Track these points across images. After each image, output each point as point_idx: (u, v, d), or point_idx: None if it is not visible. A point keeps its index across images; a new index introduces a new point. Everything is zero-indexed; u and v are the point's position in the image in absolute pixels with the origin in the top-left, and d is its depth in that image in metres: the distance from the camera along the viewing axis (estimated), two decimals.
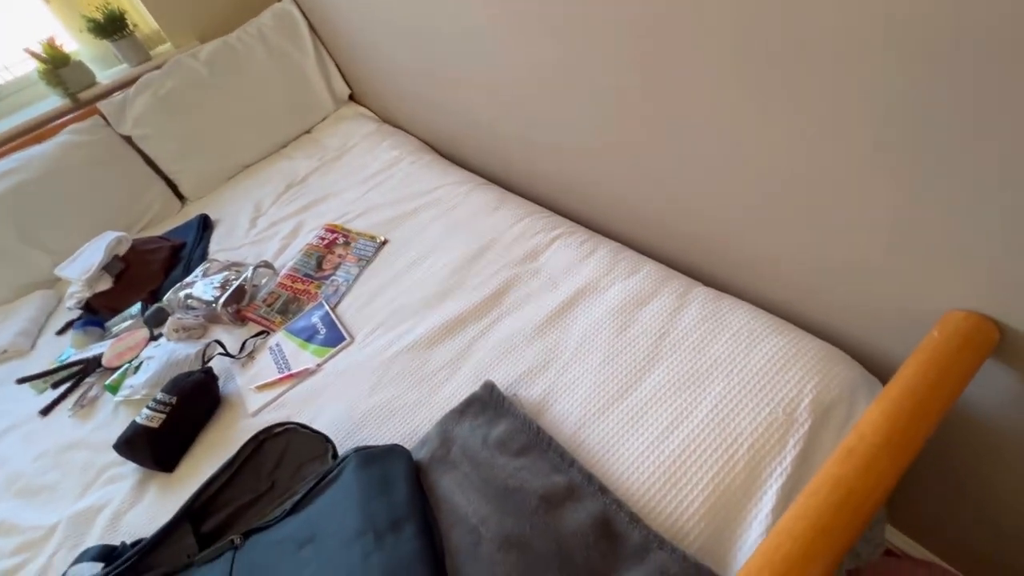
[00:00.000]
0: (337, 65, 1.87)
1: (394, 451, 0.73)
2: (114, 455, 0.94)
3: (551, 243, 1.06)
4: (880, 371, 0.75)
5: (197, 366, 1.06)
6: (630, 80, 0.81)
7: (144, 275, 1.39)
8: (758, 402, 0.69)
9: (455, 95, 1.31)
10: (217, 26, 1.80)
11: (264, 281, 1.25)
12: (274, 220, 1.48)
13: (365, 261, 1.21)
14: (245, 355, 1.09)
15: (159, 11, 1.73)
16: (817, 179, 0.66)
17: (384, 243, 1.23)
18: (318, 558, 0.63)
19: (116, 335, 1.24)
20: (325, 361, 1.01)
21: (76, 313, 1.37)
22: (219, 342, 1.10)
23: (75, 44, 1.76)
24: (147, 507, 0.88)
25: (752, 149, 0.71)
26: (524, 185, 1.31)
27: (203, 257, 1.43)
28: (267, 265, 1.27)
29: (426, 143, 1.63)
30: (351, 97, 1.93)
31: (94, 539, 0.85)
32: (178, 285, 1.26)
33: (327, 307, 1.12)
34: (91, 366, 1.17)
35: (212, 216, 1.60)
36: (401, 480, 0.68)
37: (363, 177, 1.50)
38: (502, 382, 0.82)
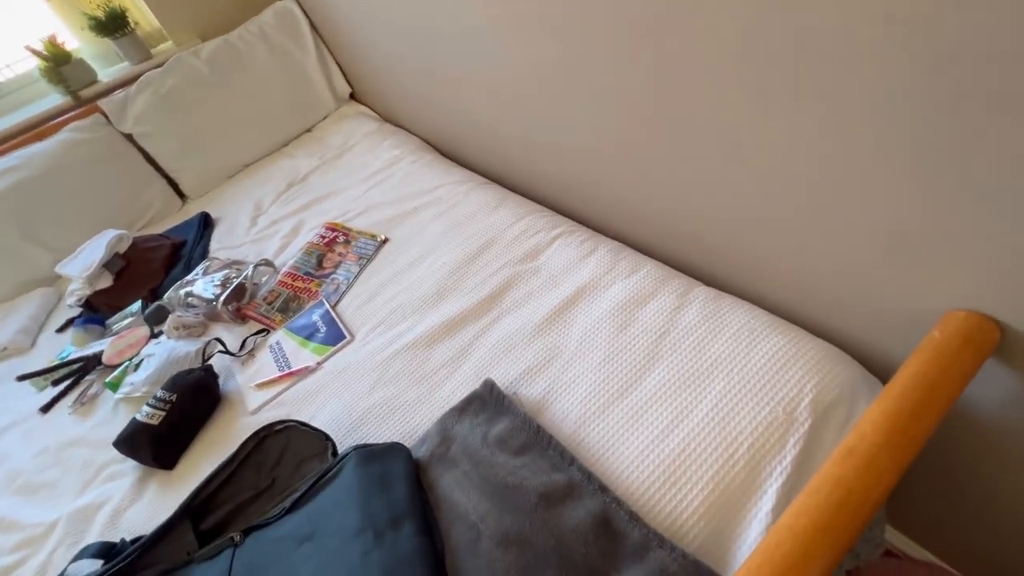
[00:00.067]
0: (338, 64, 1.87)
1: (394, 449, 0.73)
2: (114, 452, 0.94)
3: (552, 242, 1.06)
4: (880, 371, 0.75)
5: (197, 364, 1.06)
6: (630, 80, 0.81)
7: (144, 273, 1.39)
8: (758, 401, 0.69)
9: (456, 94, 1.31)
10: (218, 24, 1.80)
11: (264, 279, 1.25)
12: (275, 218, 1.48)
13: (365, 259, 1.21)
14: (245, 353, 1.09)
15: (160, 9, 1.73)
16: (817, 179, 0.66)
17: (384, 241, 1.24)
18: (318, 555, 0.63)
19: (116, 333, 1.24)
20: (325, 359, 1.01)
21: (76, 311, 1.37)
22: (219, 340, 1.10)
23: (76, 42, 1.76)
24: (147, 504, 0.88)
25: (752, 149, 0.71)
26: (524, 184, 1.31)
27: (204, 255, 1.43)
28: (268, 263, 1.28)
29: (427, 142, 1.63)
30: (352, 96, 1.94)
31: (94, 536, 0.85)
32: (179, 283, 1.26)
33: (327, 305, 1.12)
34: (91, 364, 1.17)
35: (213, 214, 1.60)
36: (401, 478, 0.68)
37: (364, 176, 1.50)
38: (502, 380, 0.82)
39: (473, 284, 1.03)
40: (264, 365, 1.05)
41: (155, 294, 1.34)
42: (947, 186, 0.54)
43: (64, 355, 1.24)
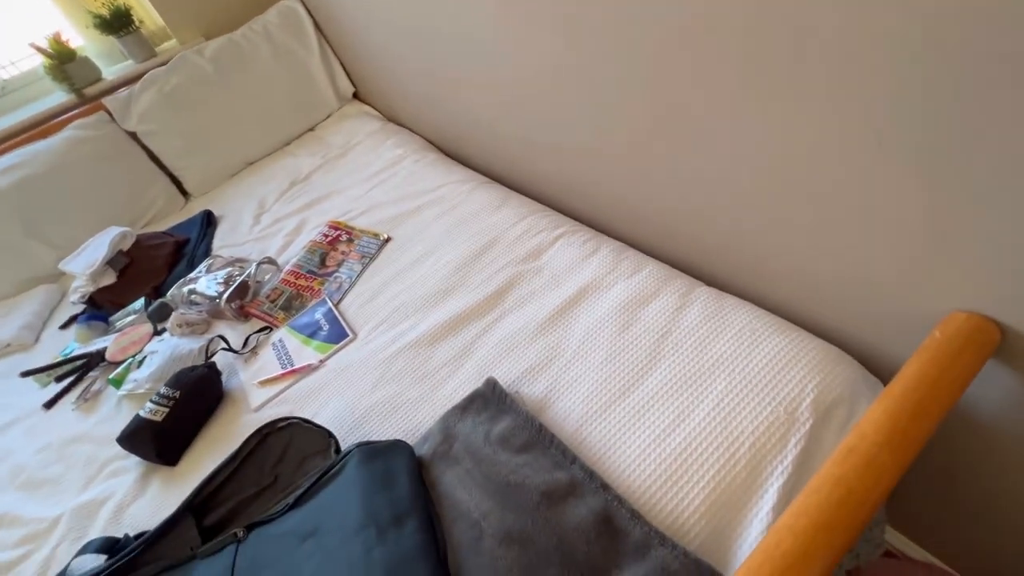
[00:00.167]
0: (342, 63, 1.88)
1: (397, 446, 0.74)
2: (117, 448, 0.95)
3: (554, 242, 1.07)
4: (881, 372, 0.76)
5: (200, 361, 1.07)
6: (632, 82, 0.81)
7: (148, 270, 1.40)
8: (760, 401, 0.70)
9: (458, 94, 1.32)
10: (223, 23, 1.81)
11: (267, 277, 1.26)
12: (278, 217, 1.48)
13: (368, 258, 1.21)
14: (248, 350, 1.09)
15: (165, 8, 1.74)
16: (819, 179, 0.66)
17: (387, 240, 1.24)
18: (321, 552, 0.64)
19: (120, 330, 1.24)
20: (328, 357, 1.01)
21: (80, 307, 1.38)
22: (222, 337, 1.10)
23: (81, 40, 1.77)
24: (150, 500, 0.88)
25: (754, 151, 0.71)
26: (526, 184, 1.31)
27: (207, 253, 1.43)
28: (271, 261, 1.28)
29: (429, 142, 1.63)
30: (355, 95, 1.94)
31: (97, 531, 0.86)
32: (182, 280, 1.27)
33: (330, 304, 1.13)
34: (95, 360, 1.18)
35: (216, 212, 1.60)
36: (403, 475, 0.69)
37: (367, 175, 1.50)
38: (504, 379, 0.83)
39: (476, 283, 1.03)
40: (267, 363, 1.05)
41: (158, 291, 1.35)
42: (948, 187, 0.55)
43: (67, 351, 1.24)
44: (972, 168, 0.52)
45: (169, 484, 0.90)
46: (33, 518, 0.91)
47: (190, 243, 1.48)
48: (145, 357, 1.10)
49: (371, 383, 0.93)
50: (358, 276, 1.18)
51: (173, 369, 1.03)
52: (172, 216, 1.68)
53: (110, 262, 1.39)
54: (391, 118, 1.81)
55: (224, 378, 1.04)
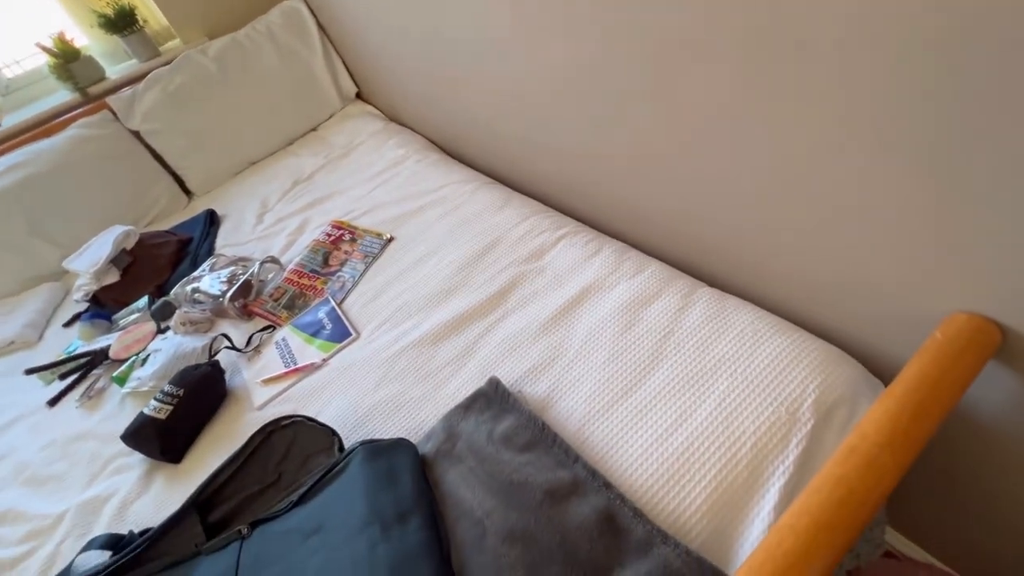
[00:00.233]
0: (344, 63, 1.88)
1: (400, 445, 0.74)
2: (121, 446, 0.95)
3: (556, 242, 1.07)
4: (882, 372, 0.76)
5: (204, 359, 1.07)
6: (634, 83, 0.81)
7: (151, 269, 1.40)
8: (761, 401, 0.70)
9: (461, 95, 1.32)
10: (226, 23, 1.81)
11: (270, 276, 1.26)
12: (280, 216, 1.49)
13: (371, 258, 1.21)
14: (251, 349, 1.10)
15: (169, 7, 1.75)
16: (820, 180, 0.66)
17: (390, 240, 1.24)
18: (325, 548, 0.64)
19: (123, 328, 1.25)
20: (331, 356, 1.02)
21: (83, 305, 1.38)
22: (226, 336, 1.11)
23: (85, 39, 1.77)
24: (154, 497, 0.89)
25: (755, 151, 0.72)
26: (529, 184, 1.32)
27: (210, 252, 1.44)
28: (274, 260, 1.28)
29: (432, 142, 1.64)
30: (358, 95, 1.95)
31: (101, 528, 0.86)
32: (185, 279, 1.27)
33: (333, 303, 1.13)
34: (98, 358, 1.18)
35: (218, 211, 1.61)
36: (407, 473, 0.69)
37: (369, 175, 1.51)
38: (507, 378, 0.83)
39: (478, 283, 1.04)
40: (270, 361, 1.06)
41: (161, 290, 1.35)
42: (949, 187, 0.55)
43: (71, 349, 1.25)
44: (973, 169, 0.52)
45: (173, 481, 0.90)
46: (37, 514, 0.92)
47: (193, 242, 1.49)
48: (149, 355, 1.11)
49: (374, 382, 0.93)
50: (361, 275, 1.18)
51: (176, 367, 1.04)
52: (175, 215, 1.69)
53: (114, 260, 1.39)
54: (393, 118, 1.81)
55: (227, 376, 1.04)
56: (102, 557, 0.76)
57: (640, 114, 0.85)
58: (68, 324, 1.37)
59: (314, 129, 1.86)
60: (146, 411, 0.93)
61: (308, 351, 1.05)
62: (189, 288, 1.24)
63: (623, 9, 0.74)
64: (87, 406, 1.11)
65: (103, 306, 1.35)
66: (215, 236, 1.51)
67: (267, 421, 0.84)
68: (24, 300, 1.45)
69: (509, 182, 1.36)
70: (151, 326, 1.21)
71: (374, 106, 1.90)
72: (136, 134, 1.66)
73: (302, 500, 0.71)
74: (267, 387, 1.00)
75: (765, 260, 0.84)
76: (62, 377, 1.18)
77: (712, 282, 0.94)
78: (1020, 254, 0.54)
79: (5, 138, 1.60)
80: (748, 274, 0.90)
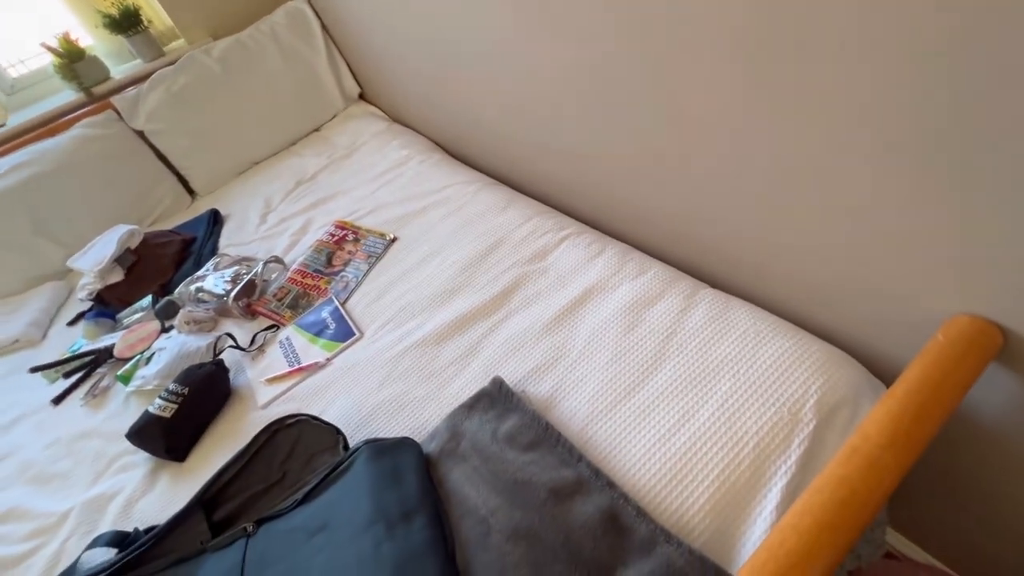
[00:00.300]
0: (348, 64, 1.89)
1: (404, 444, 0.75)
2: (126, 444, 0.96)
3: (559, 243, 1.08)
4: (884, 374, 0.76)
5: (208, 358, 1.08)
6: (638, 86, 0.82)
7: (155, 268, 1.41)
8: (764, 402, 0.71)
9: (464, 96, 1.33)
10: (230, 24, 1.82)
11: (274, 276, 1.27)
12: (284, 216, 1.49)
13: (374, 258, 1.22)
14: (255, 348, 1.10)
15: (173, 8, 1.75)
16: (824, 182, 0.67)
17: (393, 240, 1.25)
18: (330, 547, 0.64)
19: (127, 327, 1.25)
20: (335, 355, 1.02)
21: (87, 304, 1.39)
22: (230, 335, 1.11)
23: (90, 39, 1.78)
24: (159, 495, 0.89)
25: (758, 154, 0.72)
26: (532, 185, 1.32)
27: (213, 252, 1.44)
28: (277, 260, 1.29)
29: (435, 142, 1.64)
30: (361, 96, 1.95)
31: (107, 526, 0.87)
32: (189, 279, 1.28)
33: (337, 303, 1.14)
34: (102, 357, 1.19)
35: (222, 211, 1.61)
36: (411, 472, 0.70)
37: (372, 175, 1.51)
38: (510, 378, 0.84)
39: (482, 283, 1.04)
40: (274, 360, 1.06)
41: (165, 289, 1.36)
42: (955, 192, 0.55)
43: (75, 348, 1.25)
44: (975, 171, 0.53)
45: (177, 480, 0.91)
46: (43, 512, 0.92)
47: (197, 241, 1.49)
48: (153, 354, 1.11)
49: (378, 381, 0.93)
50: (364, 275, 1.19)
51: (181, 366, 1.04)
52: (178, 215, 1.70)
53: (118, 260, 1.40)
54: (396, 119, 1.82)
55: (231, 375, 1.05)
56: (108, 554, 0.76)
57: (643, 116, 0.86)
58: (72, 323, 1.38)
59: (317, 129, 1.87)
60: (151, 409, 0.94)
61: (312, 350, 1.05)
62: (193, 287, 1.24)
63: (626, 11, 0.75)
64: (91, 404, 1.11)
65: (107, 305, 1.36)
66: (218, 236, 1.52)
67: (271, 420, 0.84)
68: (28, 299, 1.46)
69: (512, 183, 1.37)
70: (155, 325, 1.22)
71: (377, 107, 1.90)
72: (140, 134, 1.67)
73: (307, 498, 0.72)
74: (271, 386, 1.01)
75: (767, 261, 0.85)
76: (66, 376, 1.19)
77: (714, 283, 0.94)
78: (1022, 256, 0.55)
79: (10, 137, 1.60)
80: (750, 275, 0.90)
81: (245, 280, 1.20)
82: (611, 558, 0.59)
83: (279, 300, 1.20)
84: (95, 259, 1.40)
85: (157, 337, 1.19)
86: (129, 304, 1.33)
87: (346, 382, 0.96)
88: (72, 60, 1.66)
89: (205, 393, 0.98)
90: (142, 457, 0.95)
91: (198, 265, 1.37)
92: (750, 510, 0.64)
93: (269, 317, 1.17)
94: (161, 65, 1.70)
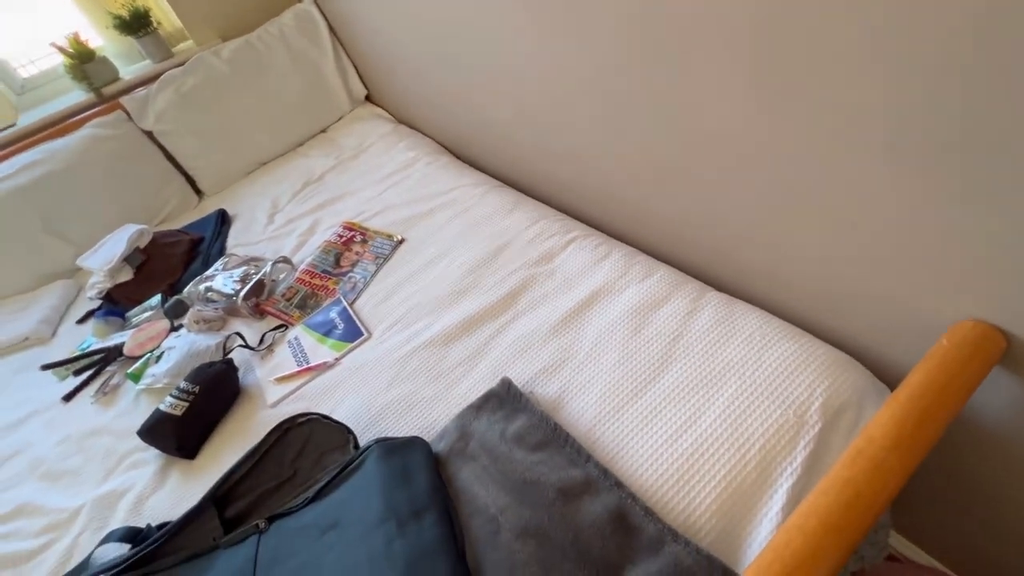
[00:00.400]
0: (355, 66, 1.90)
1: (414, 443, 0.76)
2: (136, 441, 0.97)
3: (566, 245, 1.09)
4: (888, 378, 0.77)
5: (218, 357, 1.09)
6: (646, 90, 0.83)
7: (164, 268, 1.42)
8: (770, 404, 0.72)
9: (471, 99, 1.34)
10: (239, 25, 1.84)
11: (283, 276, 1.28)
12: (291, 217, 1.51)
13: (382, 259, 1.23)
14: (264, 348, 1.11)
15: (183, 9, 1.77)
16: (830, 187, 0.68)
17: (401, 242, 1.26)
18: (341, 544, 0.65)
19: (136, 325, 1.26)
20: (343, 355, 1.03)
21: (97, 303, 1.40)
22: (239, 334, 1.12)
23: (100, 40, 1.80)
24: (169, 492, 0.90)
25: (765, 159, 0.73)
26: (538, 188, 1.33)
27: (221, 251, 1.45)
28: (286, 260, 1.30)
29: (441, 145, 1.65)
30: (367, 98, 1.97)
31: (118, 522, 0.88)
32: (198, 278, 1.29)
33: (345, 303, 1.15)
34: (112, 355, 1.20)
35: (229, 211, 1.63)
36: (422, 471, 0.71)
37: (379, 177, 1.53)
38: (518, 379, 0.85)
39: (489, 285, 1.05)
40: (283, 360, 1.07)
41: (174, 288, 1.37)
42: (957, 196, 0.56)
43: (85, 346, 1.27)
44: (980, 177, 0.53)
45: (188, 477, 0.92)
46: (54, 508, 0.93)
47: (205, 241, 1.51)
48: (163, 353, 1.13)
49: (386, 381, 0.94)
50: (372, 276, 1.20)
51: (190, 365, 1.05)
52: (186, 214, 1.71)
53: (127, 259, 1.41)
54: (403, 120, 1.83)
55: (240, 374, 1.06)
56: (121, 550, 0.77)
57: (650, 121, 0.87)
58: (81, 321, 1.39)
59: (324, 131, 1.88)
60: (162, 408, 0.95)
61: (320, 350, 1.06)
62: (202, 287, 1.26)
63: (635, 14, 0.75)
64: (102, 402, 1.12)
65: (116, 304, 1.37)
66: (226, 236, 1.53)
67: (282, 418, 0.86)
68: (38, 297, 1.47)
69: (518, 185, 1.38)
70: (164, 324, 1.23)
71: (383, 108, 1.92)
72: (149, 134, 1.69)
73: (318, 496, 0.73)
74: (280, 385, 1.02)
75: (773, 265, 0.86)
76: (76, 373, 1.20)
77: (720, 287, 0.95)
78: None
79: (21, 137, 1.62)
80: (756, 279, 0.91)
81: (254, 280, 1.21)
82: (620, 557, 0.60)
83: (288, 300, 1.21)
84: (105, 258, 1.41)
85: (166, 336, 1.20)
86: (138, 303, 1.35)
87: (355, 382, 0.97)
88: (82, 61, 1.67)
89: (215, 392, 0.99)
90: (152, 454, 0.96)
91: (206, 265, 1.39)
92: (756, 511, 0.64)
93: (278, 317, 1.18)
94: (170, 66, 1.71)
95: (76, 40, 1.67)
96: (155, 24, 1.75)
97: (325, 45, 1.84)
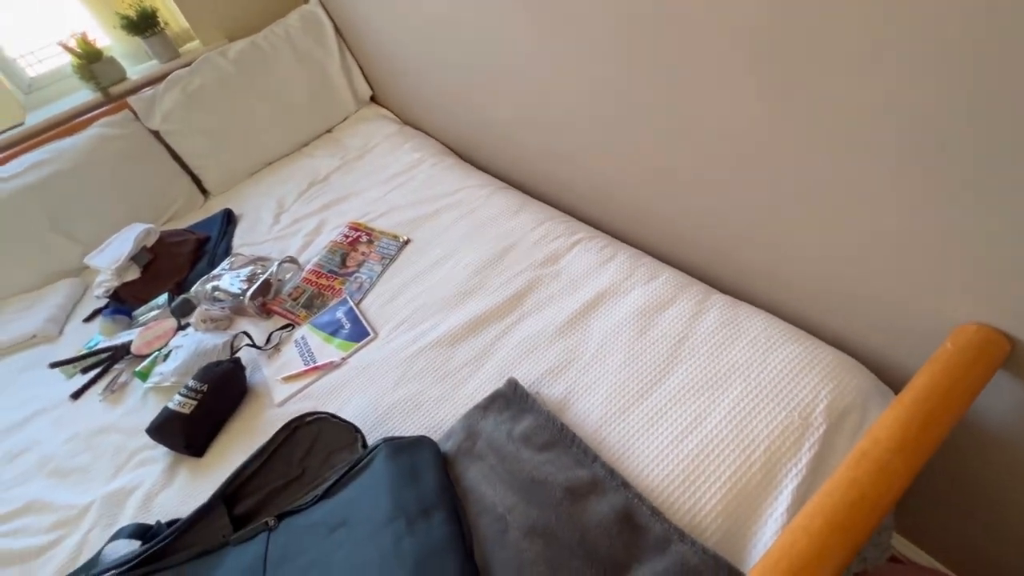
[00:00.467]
0: (360, 67, 1.91)
1: (422, 442, 0.77)
2: (144, 439, 0.98)
3: (571, 247, 1.09)
4: (892, 381, 0.78)
5: (225, 356, 1.10)
6: (651, 93, 0.84)
7: (171, 267, 1.43)
8: (775, 406, 0.72)
9: (476, 100, 1.35)
10: (245, 26, 1.85)
11: (289, 276, 1.29)
12: (297, 217, 1.51)
13: (388, 259, 1.24)
14: (271, 347, 1.12)
15: (189, 10, 1.78)
16: (835, 191, 0.68)
17: (407, 242, 1.27)
18: (351, 541, 0.66)
19: (143, 324, 1.27)
20: (350, 355, 1.04)
21: (103, 301, 1.41)
22: (246, 333, 1.13)
23: (107, 40, 1.81)
24: (178, 490, 0.91)
25: (770, 162, 0.74)
26: (543, 190, 1.34)
27: (227, 251, 1.46)
28: (292, 260, 1.31)
29: (446, 146, 1.66)
30: (372, 98, 1.97)
31: (127, 519, 0.88)
32: (205, 277, 1.30)
33: (351, 303, 1.15)
34: (120, 353, 1.21)
35: (235, 211, 1.63)
36: (430, 470, 0.71)
37: (385, 177, 1.53)
38: (524, 380, 0.85)
39: (495, 286, 1.06)
40: (290, 359, 1.08)
41: (180, 287, 1.38)
42: (962, 201, 0.57)
43: (92, 344, 1.27)
44: (986, 183, 0.54)
45: (196, 474, 0.93)
46: (64, 504, 0.94)
47: (211, 241, 1.51)
48: (170, 351, 1.13)
49: (393, 381, 0.95)
50: (378, 277, 1.21)
51: (198, 363, 1.06)
52: (191, 214, 1.72)
53: (134, 258, 1.42)
54: (407, 121, 1.84)
55: (247, 373, 1.07)
56: (131, 546, 0.78)
57: (654, 123, 0.87)
58: (88, 319, 1.40)
59: (329, 131, 1.89)
60: (171, 406, 0.96)
61: (327, 350, 1.07)
62: (209, 286, 1.26)
63: (637, 15, 0.76)
64: (110, 400, 1.13)
65: (123, 302, 1.38)
66: (232, 235, 1.54)
67: (291, 417, 0.86)
68: (45, 295, 1.48)
69: (523, 187, 1.39)
70: (171, 323, 1.24)
71: (388, 109, 1.92)
72: (156, 134, 1.70)
73: (327, 494, 0.74)
74: (287, 384, 1.03)
75: (777, 268, 0.86)
76: (84, 371, 1.21)
77: (725, 289, 0.96)
78: None
79: (29, 136, 1.63)
80: (760, 281, 0.92)
81: (261, 280, 1.22)
82: (626, 556, 0.60)
83: (294, 300, 1.22)
84: (112, 257, 1.42)
85: (173, 335, 1.21)
86: (145, 302, 1.35)
87: (361, 381, 0.98)
88: (90, 60, 1.68)
89: (223, 390, 1.00)
90: (161, 452, 0.97)
91: (212, 264, 1.39)
92: (761, 511, 0.65)
93: (284, 316, 1.19)
94: (177, 66, 1.72)
95: (84, 40, 1.68)
96: (162, 24, 1.76)
97: (331, 46, 1.85)
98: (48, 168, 1.53)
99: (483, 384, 0.89)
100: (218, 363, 1.03)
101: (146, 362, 1.14)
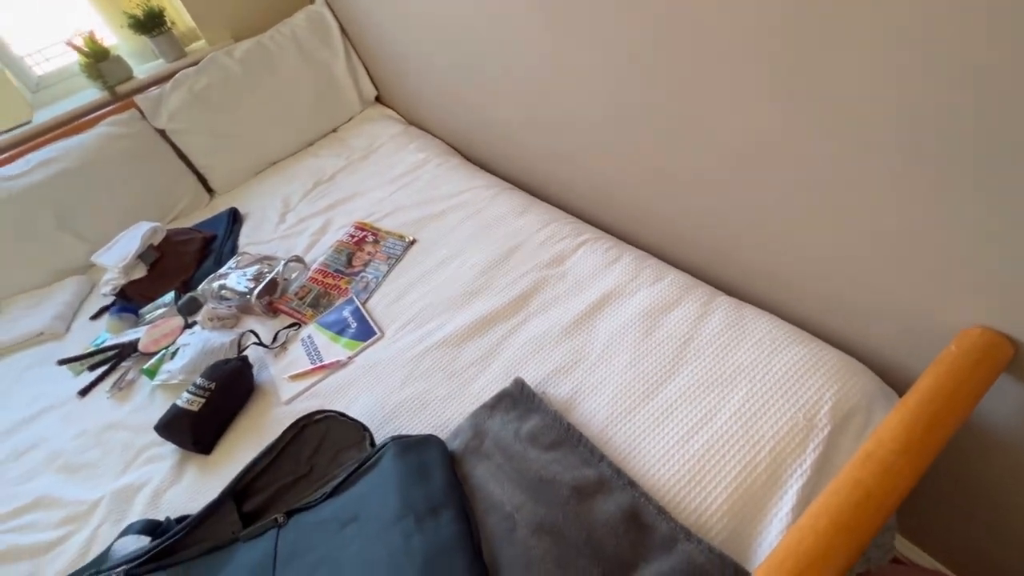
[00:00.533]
0: (365, 67, 1.92)
1: (430, 440, 0.77)
2: (152, 436, 0.98)
3: (577, 248, 1.10)
4: (896, 383, 0.78)
5: (232, 354, 1.10)
6: (657, 95, 0.84)
7: (177, 265, 1.44)
8: (780, 407, 0.73)
9: (481, 101, 1.36)
10: (251, 25, 1.85)
11: (295, 275, 1.30)
12: (302, 216, 1.52)
13: (394, 259, 1.25)
14: (278, 346, 1.13)
15: (196, 9, 1.79)
16: (842, 196, 0.69)
17: (413, 242, 1.28)
18: (360, 538, 0.67)
19: (150, 322, 1.28)
20: (357, 354, 1.05)
21: (110, 299, 1.42)
22: (254, 332, 1.14)
23: (114, 39, 1.82)
24: (186, 487, 0.92)
25: (776, 165, 0.74)
26: (548, 191, 1.35)
27: (233, 250, 1.47)
28: (298, 259, 1.32)
29: (451, 146, 1.67)
30: (377, 99, 1.98)
31: (136, 515, 0.89)
32: (212, 276, 1.31)
33: (357, 302, 1.16)
34: (127, 350, 1.22)
35: (240, 210, 1.64)
36: (438, 468, 0.72)
37: (390, 177, 1.54)
38: (531, 380, 0.86)
39: (501, 286, 1.07)
40: (297, 358, 1.09)
41: (187, 286, 1.39)
42: (967, 204, 0.57)
43: (99, 341, 1.28)
44: (990, 185, 0.54)
45: (204, 472, 0.93)
46: (73, 500, 0.95)
47: (217, 239, 1.52)
48: (178, 349, 1.14)
49: (400, 380, 0.96)
50: (384, 276, 1.21)
51: (205, 362, 1.07)
52: (197, 212, 1.73)
53: (141, 256, 1.43)
54: (413, 121, 1.85)
55: (255, 372, 1.08)
56: (140, 542, 0.79)
57: (660, 125, 0.88)
58: (95, 317, 1.41)
59: (334, 131, 1.90)
60: (179, 403, 0.96)
61: (334, 349, 1.08)
62: (216, 285, 1.27)
63: (648, 20, 0.77)
64: (118, 397, 1.14)
65: (130, 300, 1.39)
66: (238, 234, 1.54)
67: (299, 415, 0.87)
68: (52, 292, 1.49)
69: (528, 188, 1.39)
70: (178, 321, 1.25)
71: (393, 109, 1.93)
72: (162, 133, 1.70)
73: (336, 492, 0.74)
74: (294, 383, 1.04)
75: (783, 270, 0.87)
76: (91, 368, 1.22)
77: (730, 291, 0.97)
78: None
79: (36, 134, 1.64)
80: (766, 284, 0.92)
81: (267, 279, 1.23)
82: (633, 555, 0.61)
83: (300, 299, 1.23)
84: (119, 255, 1.43)
85: (180, 333, 1.22)
86: (151, 300, 1.36)
87: (368, 380, 0.99)
88: (97, 59, 1.69)
89: (231, 388, 1.00)
90: (169, 449, 0.98)
91: (219, 263, 1.40)
92: (766, 511, 0.66)
93: (291, 315, 1.20)
94: (183, 65, 1.73)
95: (91, 39, 1.69)
96: (169, 24, 1.77)
97: (336, 46, 1.86)
98: (55, 166, 1.53)
99: (490, 383, 0.89)
100: (226, 361, 1.04)
101: (153, 360, 1.15)
